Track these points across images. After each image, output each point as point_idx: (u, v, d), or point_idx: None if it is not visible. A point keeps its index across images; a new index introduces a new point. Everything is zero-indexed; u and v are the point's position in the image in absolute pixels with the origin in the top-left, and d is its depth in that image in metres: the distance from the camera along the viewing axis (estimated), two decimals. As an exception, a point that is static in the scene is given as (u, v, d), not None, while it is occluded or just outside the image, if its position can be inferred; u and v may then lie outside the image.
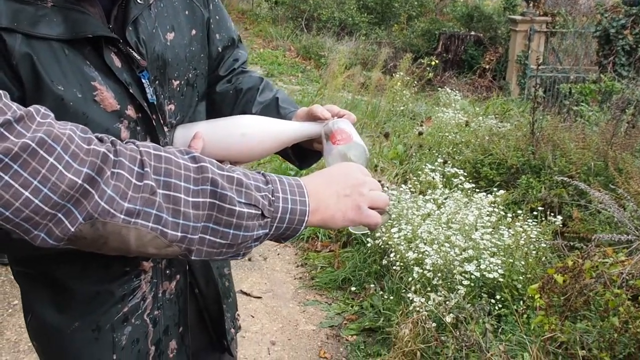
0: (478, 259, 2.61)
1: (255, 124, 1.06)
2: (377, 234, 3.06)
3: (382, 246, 3.05)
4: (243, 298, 3.20)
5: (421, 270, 2.61)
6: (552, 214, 3.12)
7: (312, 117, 1.07)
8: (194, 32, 1.09)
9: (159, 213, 0.75)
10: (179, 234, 0.76)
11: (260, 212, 0.81)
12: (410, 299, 2.53)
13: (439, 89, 7.63)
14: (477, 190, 3.39)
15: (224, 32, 1.19)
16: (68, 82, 0.89)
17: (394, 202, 3.23)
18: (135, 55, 0.96)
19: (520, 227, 2.77)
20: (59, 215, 0.70)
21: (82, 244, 0.74)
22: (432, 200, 3.21)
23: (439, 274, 2.58)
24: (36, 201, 0.68)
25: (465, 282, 2.51)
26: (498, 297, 2.57)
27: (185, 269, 1.11)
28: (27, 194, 0.67)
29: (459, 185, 3.38)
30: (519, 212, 3.18)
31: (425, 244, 2.72)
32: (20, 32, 0.85)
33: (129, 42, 0.96)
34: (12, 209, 0.67)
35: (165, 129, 1.05)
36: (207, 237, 0.78)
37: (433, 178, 3.57)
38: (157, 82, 1.01)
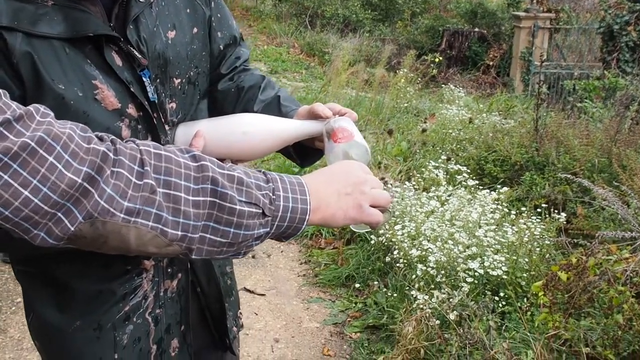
0: (482, 256, 2.60)
1: (257, 122, 1.06)
2: (381, 231, 3.05)
3: (386, 243, 3.05)
4: (246, 295, 3.20)
5: (425, 268, 2.60)
6: (555, 211, 3.11)
7: (314, 116, 1.07)
8: (195, 30, 1.09)
9: (159, 212, 0.74)
10: (179, 232, 0.76)
11: (261, 211, 0.80)
12: (414, 296, 2.53)
13: (443, 85, 7.60)
14: (481, 187, 3.38)
15: (226, 30, 1.19)
16: (69, 81, 0.88)
17: (398, 199, 3.22)
18: (136, 53, 0.96)
19: (524, 224, 2.76)
20: (59, 214, 0.70)
21: (81, 243, 0.74)
22: (435, 197, 3.20)
23: (443, 272, 2.58)
24: (36, 200, 0.68)
25: (469, 280, 2.50)
26: (502, 294, 2.56)
27: (187, 267, 1.11)
28: (26, 193, 0.67)
29: (463, 183, 3.37)
30: (523, 209, 3.17)
31: (428, 241, 2.71)
32: (20, 30, 0.85)
33: (129, 41, 0.96)
34: (12, 208, 0.67)
35: (167, 127, 1.05)
36: (208, 236, 0.78)
37: (437, 175, 3.56)
38: (158, 80, 1.01)
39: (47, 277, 1.01)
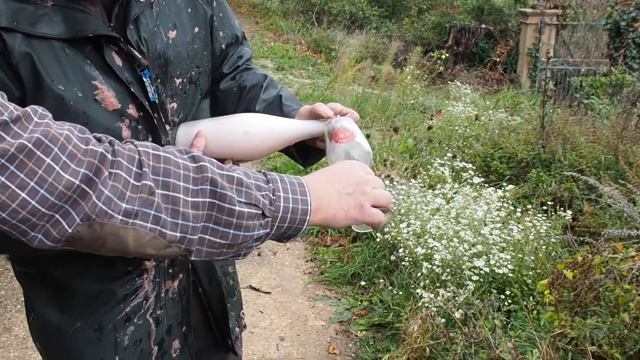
0: (487, 255, 2.59)
1: (258, 122, 1.05)
2: (386, 229, 3.04)
3: (392, 241, 3.04)
4: (252, 293, 3.20)
5: (430, 266, 2.59)
6: (562, 208, 3.09)
7: (315, 116, 1.07)
8: (196, 29, 1.09)
9: (158, 213, 0.74)
10: (178, 234, 0.76)
11: (260, 212, 0.80)
12: (419, 294, 2.52)
13: (449, 82, 7.57)
14: (486, 185, 3.36)
15: (228, 29, 1.18)
16: (68, 82, 0.88)
17: (403, 197, 3.21)
18: (136, 54, 0.95)
19: (530, 222, 2.75)
20: (57, 216, 0.70)
21: (79, 245, 0.74)
22: (441, 195, 3.19)
23: (448, 270, 2.57)
24: (33, 202, 0.67)
25: (475, 278, 2.49)
26: (508, 292, 2.55)
27: (188, 267, 1.11)
28: (23, 195, 0.67)
29: (468, 180, 3.36)
30: (529, 206, 3.15)
31: (434, 239, 2.70)
32: (20, 31, 0.84)
33: (130, 41, 0.95)
34: (9, 211, 0.67)
35: (167, 127, 1.04)
36: (207, 237, 0.78)
37: (442, 172, 3.55)
38: (158, 80, 1.01)
39: (47, 278, 1.01)
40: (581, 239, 2.49)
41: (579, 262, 2.23)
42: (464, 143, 4.59)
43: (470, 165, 3.54)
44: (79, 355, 1.02)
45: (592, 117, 4.50)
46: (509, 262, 2.56)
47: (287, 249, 3.71)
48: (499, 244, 2.66)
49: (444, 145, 4.67)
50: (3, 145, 0.65)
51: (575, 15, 10.03)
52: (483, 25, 11.14)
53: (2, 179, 0.65)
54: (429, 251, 2.68)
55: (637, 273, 2.11)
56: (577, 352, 2.20)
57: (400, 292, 2.83)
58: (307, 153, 1.16)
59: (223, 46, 1.18)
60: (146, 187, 0.74)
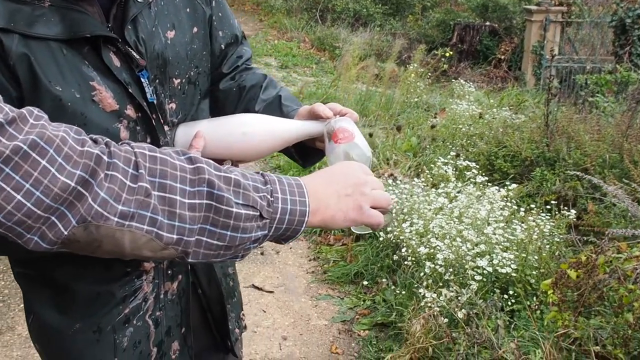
0: (490, 254, 2.58)
1: (257, 123, 1.05)
2: (389, 229, 3.03)
3: (394, 240, 3.03)
4: (255, 293, 3.20)
5: (433, 265, 2.58)
6: (566, 208, 3.07)
7: (314, 116, 1.06)
8: (195, 29, 1.08)
9: (154, 215, 0.74)
10: (175, 236, 0.75)
11: (258, 213, 0.79)
12: (422, 294, 2.51)
13: (454, 80, 7.55)
14: (489, 184, 3.34)
15: (227, 29, 1.18)
16: (66, 83, 0.88)
17: (406, 196, 3.20)
18: (135, 54, 0.95)
19: (533, 221, 2.73)
20: (52, 218, 0.69)
21: (75, 247, 0.73)
22: (444, 194, 3.18)
23: (451, 269, 2.55)
24: (28, 204, 0.67)
25: (478, 278, 2.48)
26: (511, 292, 2.53)
27: (188, 269, 1.10)
28: (19, 197, 0.66)
29: (472, 179, 3.34)
30: (533, 205, 3.13)
31: (437, 238, 2.69)
32: (17, 32, 0.84)
33: (127, 42, 0.95)
34: (4, 213, 0.66)
35: (166, 128, 1.04)
36: (204, 239, 0.77)
37: (446, 171, 3.53)
38: (157, 81, 1.00)
39: (46, 279, 1.01)
40: (585, 238, 2.47)
41: (582, 261, 2.21)
42: (468, 141, 4.58)
43: (473, 164, 3.52)
44: (78, 356, 1.01)
45: (597, 115, 4.48)
46: (512, 261, 2.55)
47: (290, 248, 3.70)
48: (502, 244, 2.64)
49: (447, 143, 4.65)
50: None
51: (581, 12, 9.98)
52: (487, 23, 11.10)
53: None
54: (432, 251, 2.67)
55: (641, 273, 2.09)
56: (580, 352, 2.19)
57: (403, 292, 2.82)
58: (306, 153, 1.15)
59: (222, 46, 1.17)
60: (142, 189, 0.73)
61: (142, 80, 0.97)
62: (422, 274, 2.65)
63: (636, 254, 2.17)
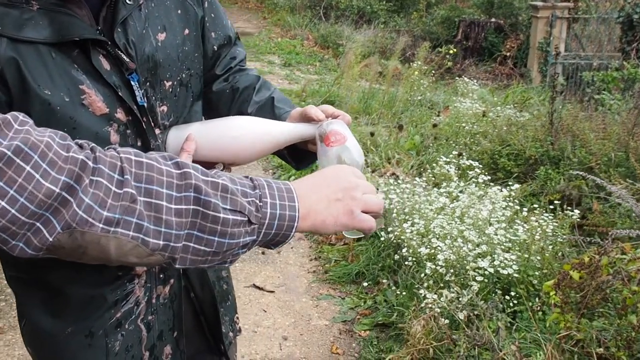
0: (492, 255, 2.56)
1: (249, 126, 1.04)
2: (390, 229, 3.02)
3: (395, 240, 3.02)
4: (256, 292, 3.19)
5: (434, 266, 2.56)
6: (569, 207, 3.04)
7: (306, 118, 1.04)
8: (187, 31, 1.07)
9: (140, 221, 0.73)
10: (161, 242, 0.74)
11: (246, 219, 0.78)
12: (423, 295, 2.49)
13: (457, 77, 7.51)
14: (492, 184, 3.31)
15: (220, 30, 1.16)
16: (55, 86, 0.87)
17: (408, 196, 3.18)
18: (124, 57, 0.94)
19: (536, 221, 2.71)
20: (37, 224, 0.69)
21: (61, 253, 0.73)
22: (446, 193, 3.15)
23: (452, 270, 2.53)
24: (13, 211, 0.66)
25: (479, 278, 2.46)
26: (513, 293, 2.51)
27: (180, 272, 1.09)
28: (3, 203, 0.66)
29: (474, 179, 3.31)
30: (535, 205, 3.11)
31: (438, 239, 2.67)
32: (5, 36, 0.84)
33: (117, 44, 0.94)
34: None
35: (158, 131, 1.03)
36: (191, 245, 0.76)
37: (448, 171, 3.51)
38: (148, 83, 0.99)
39: (38, 283, 1.01)
40: (588, 239, 2.44)
41: (585, 262, 2.19)
42: (472, 140, 4.55)
43: (476, 164, 3.50)
44: None
45: (603, 113, 4.44)
46: (514, 262, 2.52)
47: (292, 248, 3.69)
48: (504, 244, 2.62)
49: (451, 142, 4.62)
50: None
51: (587, 8, 9.91)
52: (493, 19, 11.04)
53: None
54: (433, 251, 2.65)
55: (644, 274, 2.07)
56: (583, 354, 2.17)
57: (404, 292, 2.80)
58: (299, 156, 1.14)
59: (215, 47, 1.16)
60: (128, 195, 0.72)
61: (132, 83, 0.96)
62: (422, 274, 2.63)
63: (640, 255, 2.15)
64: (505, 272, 2.45)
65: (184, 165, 0.78)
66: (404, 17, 12.30)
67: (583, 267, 2.19)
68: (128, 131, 0.97)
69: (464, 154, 3.96)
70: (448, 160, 3.69)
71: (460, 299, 2.36)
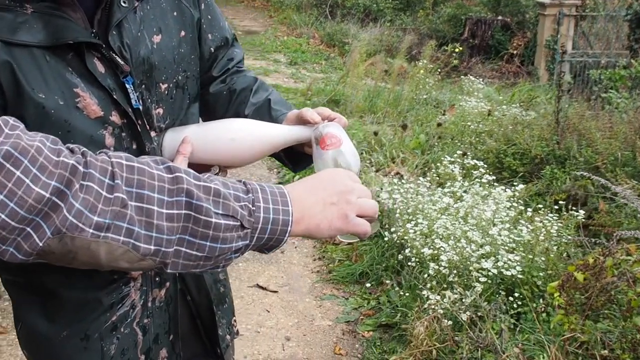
0: (495, 256, 2.54)
1: (245, 129, 1.03)
2: (393, 229, 3.01)
3: (399, 241, 3.00)
4: (259, 292, 3.19)
5: (437, 267, 2.55)
6: (574, 208, 3.02)
7: (302, 121, 1.04)
8: (183, 33, 1.06)
9: (131, 226, 0.72)
10: (152, 247, 0.74)
11: (239, 223, 0.77)
12: (426, 296, 2.48)
13: (462, 76, 7.47)
14: (496, 185, 3.28)
15: (217, 32, 1.16)
16: (49, 90, 0.87)
17: (412, 196, 3.17)
18: (119, 60, 0.93)
19: (540, 222, 2.69)
20: (28, 229, 0.69)
21: (51, 258, 0.72)
22: (450, 193, 3.14)
23: (455, 271, 2.52)
24: (2, 216, 0.66)
25: (482, 279, 2.44)
26: (517, 294, 2.49)
27: (176, 275, 1.09)
28: None
29: (478, 179, 3.29)
30: (540, 206, 3.08)
31: (441, 239, 2.65)
32: None
33: (112, 47, 0.93)
34: None
35: (153, 133, 1.02)
36: (183, 249, 0.76)
37: (452, 170, 3.49)
38: (143, 86, 0.99)
39: (33, 286, 1.00)
40: (593, 240, 2.42)
41: (590, 264, 2.17)
42: (477, 139, 4.53)
43: (481, 163, 3.47)
44: None
45: (610, 111, 4.40)
46: (518, 263, 2.50)
47: (296, 247, 3.69)
48: (508, 245, 2.60)
49: (456, 141, 4.60)
50: None
51: (595, 5, 9.83)
52: (500, 17, 10.97)
53: None
54: (436, 252, 2.63)
55: (649, 276, 2.05)
56: (587, 356, 2.15)
57: (407, 293, 2.79)
58: (296, 158, 1.13)
59: (212, 49, 1.15)
60: (118, 200, 0.72)
61: (127, 86, 0.95)
62: (426, 275, 2.62)
63: (645, 256, 2.12)
64: (508, 273, 2.43)
65: (176, 170, 0.77)
66: (411, 15, 12.25)
67: (587, 268, 2.17)
68: (123, 134, 0.96)
69: (468, 153, 3.94)
70: (452, 159, 3.66)
71: (463, 300, 2.34)
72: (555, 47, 9.22)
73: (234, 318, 1.27)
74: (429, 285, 2.55)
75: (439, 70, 6.98)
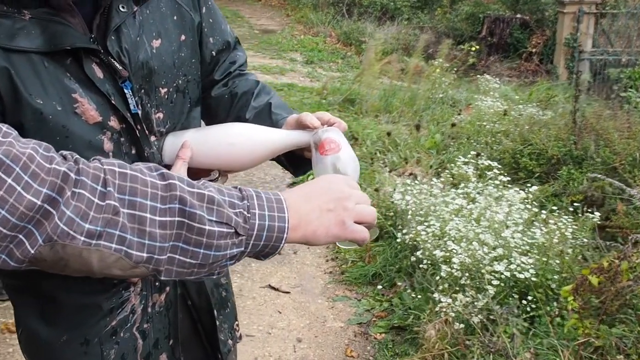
0: (508, 258, 2.50)
1: (244, 133, 1.03)
2: (404, 230, 2.98)
3: (410, 243, 2.98)
4: (271, 293, 3.19)
5: (449, 269, 2.52)
6: (589, 210, 2.96)
7: (302, 125, 1.02)
8: (183, 37, 1.06)
9: (123, 234, 0.72)
10: (145, 254, 0.73)
11: (233, 230, 0.77)
12: (437, 299, 2.45)
13: (479, 75, 7.40)
14: (510, 185, 3.23)
15: (218, 35, 1.15)
16: (47, 95, 0.87)
17: (425, 196, 3.14)
18: (117, 65, 0.93)
19: (555, 224, 2.64)
20: (20, 237, 0.68)
21: (43, 265, 0.72)
22: (464, 194, 3.10)
23: (467, 274, 2.49)
24: None
25: (495, 282, 2.41)
26: (530, 297, 2.45)
27: (176, 280, 1.08)
28: None
29: (491, 180, 3.24)
30: (555, 207, 3.03)
31: (453, 241, 2.62)
32: None
33: (110, 52, 0.93)
34: None
35: (153, 138, 1.02)
36: (177, 257, 0.75)
37: (466, 171, 3.45)
38: (142, 91, 0.98)
39: (34, 290, 1.01)
40: (608, 243, 2.37)
41: (605, 267, 2.13)
42: (493, 139, 4.47)
43: (495, 164, 3.43)
44: None
45: (628, 111, 4.32)
46: (532, 266, 2.46)
47: (308, 248, 3.68)
48: (521, 247, 2.56)
49: (472, 141, 4.55)
50: None
51: (616, 3, 9.67)
52: (518, 15, 10.85)
53: None
54: (448, 254, 2.61)
55: (665, 281, 2.00)
56: (601, 361, 2.11)
57: (420, 295, 2.76)
58: (297, 162, 1.12)
59: (213, 53, 1.14)
60: (110, 207, 0.72)
61: (126, 91, 0.95)
62: (438, 277, 2.59)
63: (661, 260, 2.08)
64: (522, 275, 2.39)
65: (169, 177, 0.77)
66: (428, 13, 12.18)
67: (602, 272, 2.13)
68: (122, 139, 0.96)
69: (482, 153, 3.90)
70: (466, 160, 3.62)
71: (475, 303, 2.31)
72: (574, 45, 9.10)
73: (237, 322, 1.26)
74: (440, 288, 2.53)
75: (456, 69, 6.92)
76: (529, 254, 2.57)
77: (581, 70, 4.96)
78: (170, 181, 0.76)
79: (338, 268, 3.44)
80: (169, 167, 1.02)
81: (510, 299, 2.43)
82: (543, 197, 3.51)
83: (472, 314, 2.29)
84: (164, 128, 1.04)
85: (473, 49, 7.55)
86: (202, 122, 1.18)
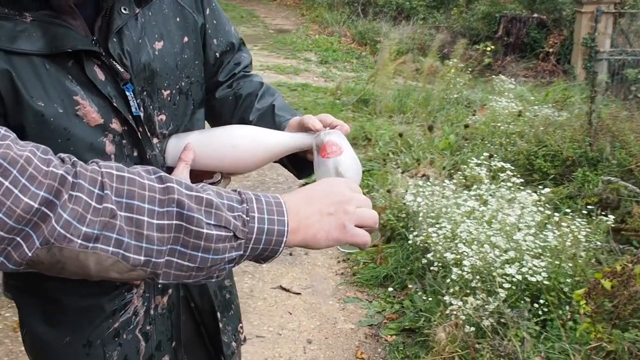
0: (520, 261, 2.47)
1: (247, 135, 1.02)
2: (415, 232, 2.96)
3: (422, 245, 2.95)
4: (282, 294, 3.18)
5: (460, 272, 2.50)
6: (603, 213, 2.92)
7: (304, 128, 1.02)
8: (186, 39, 1.05)
9: (120, 237, 0.72)
10: (142, 257, 0.73)
11: (231, 234, 0.76)
12: (448, 301, 2.43)
13: (494, 76, 7.33)
14: (522, 187, 3.19)
15: (222, 37, 1.15)
16: (49, 98, 0.87)
17: (437, 198, 3.11)
18: (119, 67, 0.93)
19: (567, 227, 2.60)
20: (17, 239, 0.69)
21: (40, 268, 0.72)
22: (476, 196, 3.07)
23: (478, 276, 2.46)
24: None
25: (506, 285, 2.38)
26: (542, 301, 2.42)
27: (178, 282, 1.08)
28: None
29: (504, 182, 3.20)
30: (568, 210, 2.99)
31: (464, 244, 2.60)
32: None
33: (112, 54, 0.93)
34: None
35: (156, 140, 1.02)
36: (174, 260, 0.75)
37: (479, 173, 3.42)
38: (144, 93, 0.98)
39: (36, 292, 1.01)
40: (623, 246, 2.34)
41: (617, 271, 2.10)
42: (507, 140, 4.43)
43: (508, 166, 3.39)
44: None
45: (643, 113, 4.26)
46: (544, 269, 2.43)
47: (320, 249, 3.66)
48: (533, 250, 2.53)
49: (486, 142, 4.51)
50: None
51: (635, 2, 9.53)
52: (535, 15, 10.74)
53: None
54: (459, 256, 2.58)
55: (680, 286, 1.96)
56: (614, 367, 2.08)
57: (431, 298, 2.74)
58: (300, 164, 1.11)
59: (217, 54, 1.14)
60: (107, 210, 0.71)
61: (127, 93, 0.95)
62: (449, 280, 2.57)
63: (675, 265, 2.04)
64: (534, 279, 2.36)
65: (167, 180, 0.76)
66: (444, 13, 12.10)
67: (615, 275, 2.10)
68: (124, 141, 0.96)
69: (495, 155, 3.86)
70: (479, 162, 3.59)
71: (486, 306, 2.29)
72: (592, 45, 8.97)
73: (241, 325, 1.26)
74: (451, 291, 2.50)
75: (471, 69, 6.87)
76: (541, 257, 2.54)
77: (597, 71, 4.89)
78: (168, 184, 0.76)
79: (349, 269, 3.43)
80: (171, 169, 1.02)
81: (522, 302, 2.40)
82: (557, 199, 3.47)
83: (483, 317, 2.26)
84: (167, 130, 1.04)
85: (488, 49, 7.48)
86: (207, 124, 1.18)
